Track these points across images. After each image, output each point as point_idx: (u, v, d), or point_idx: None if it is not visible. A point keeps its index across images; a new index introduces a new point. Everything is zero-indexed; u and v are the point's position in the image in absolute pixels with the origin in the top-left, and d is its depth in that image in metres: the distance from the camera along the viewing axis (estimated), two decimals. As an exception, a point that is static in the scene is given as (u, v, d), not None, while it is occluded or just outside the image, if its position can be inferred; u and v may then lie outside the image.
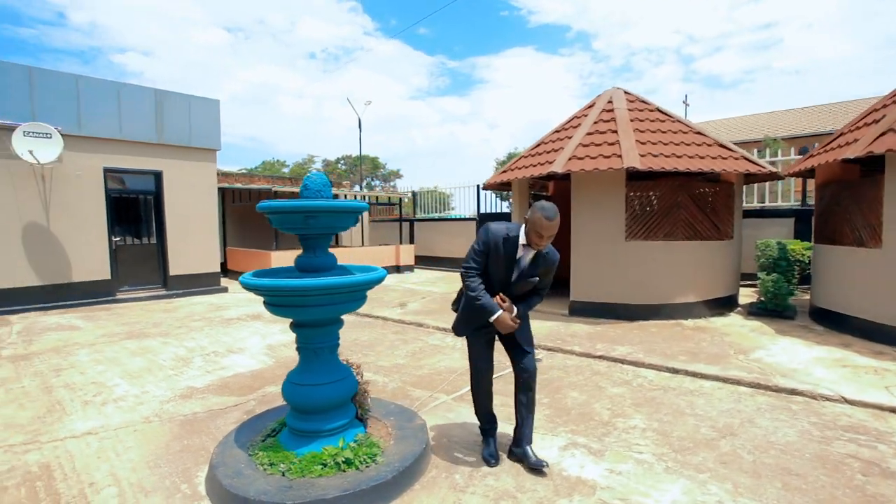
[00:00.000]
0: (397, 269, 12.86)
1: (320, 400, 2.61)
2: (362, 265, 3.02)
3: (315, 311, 2.55)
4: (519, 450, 2.71)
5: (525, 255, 2.58)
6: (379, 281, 2.70)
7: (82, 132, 7.97)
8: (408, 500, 2.37)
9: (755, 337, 5.32)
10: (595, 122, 6.62)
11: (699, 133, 6.51)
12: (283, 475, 2.41)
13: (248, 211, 13.16)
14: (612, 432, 3.10)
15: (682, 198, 6.12)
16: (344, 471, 2.44)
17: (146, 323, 6.66)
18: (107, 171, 8.31)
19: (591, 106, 7.26)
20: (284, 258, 10.25)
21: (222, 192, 12.67)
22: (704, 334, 5.45)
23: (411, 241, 14.36)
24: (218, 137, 9.57)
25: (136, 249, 8.92)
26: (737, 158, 6.16)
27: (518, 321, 2.58)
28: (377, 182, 40.81)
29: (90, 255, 8.18)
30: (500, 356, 2.87)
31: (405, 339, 5.62)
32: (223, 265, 12.42)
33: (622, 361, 4.57)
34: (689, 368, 4.25)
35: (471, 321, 2.69)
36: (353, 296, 2.64)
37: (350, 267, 2.96)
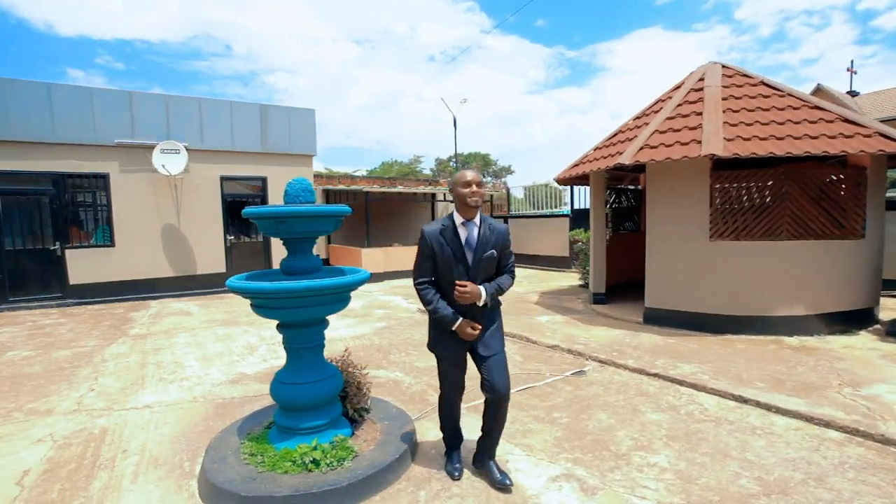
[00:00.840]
0: (486, 266, 12.76)
1: (299, 398, 2.68)
2: (354, 268, 3.02)
3: (293, 312, 2.62)
4: (481, 464, 2.59)
5: (470, 233, 2.44)
6: (358, 283, 2.69)
7: (204, 146, 9.30)
8: (360, 509, 2.33)
9: (883, 365, 4.19)
10: (679, 105, 5.78)
11: (817, 108, 5.31)
12: (256, 467, 2.53)
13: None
14: (621, 467, 2.69)
15: (789, 188, 5.06)
16: (310, 471, 2.48)
17: (242, 312, 7.54)
18: (222, 178, 9.59)
19: (678, 87, 6.37)
20: (373, 255, 10.81)
21: (326, 193, 13.82)
22: (808, 356, 4.45)
23: (504, 239, 14.18)
24: (314, 143, 10.44)
25: (246, 246, 10.16)
26: (868, 136, 4.90)
27: (478, 328, 2.40)
28: (488, 178, 41.03)
29: (210, 251, 9.52)
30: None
31: (455, 340, 5.54)
32: (326, 261, 13.56)
33: (680, 382, 3.94)
34: (763, 399, 3.50)
35: (441, 336, 2.53)
36: (329, 298, 2.65)
37: (346, 269, 2.99)
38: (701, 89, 5.87)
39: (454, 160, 42.41)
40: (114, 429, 3.36)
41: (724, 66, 6.22)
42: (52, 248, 8.41)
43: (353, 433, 2.91)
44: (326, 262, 13.49)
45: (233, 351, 5.31)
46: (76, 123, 8.36)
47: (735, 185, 5.30)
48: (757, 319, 5.12)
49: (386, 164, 44.18)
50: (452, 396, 2.63)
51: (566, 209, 15.00)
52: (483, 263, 2.42)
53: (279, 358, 4.97)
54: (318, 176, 14.79)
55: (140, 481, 2.65)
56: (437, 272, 2.46)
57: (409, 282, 10.47)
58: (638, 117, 6.47)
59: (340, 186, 12.83)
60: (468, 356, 2.54)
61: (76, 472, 2.76)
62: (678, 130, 5.37)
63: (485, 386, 2.45)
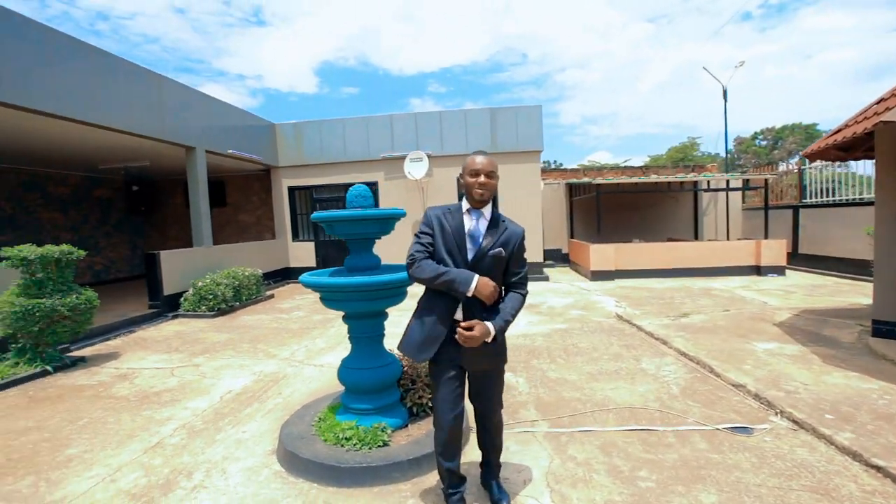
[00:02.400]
0: (757, 269, 10.09)
1: (348, 380, 3.03)
2: (401, 265, 3.12)
3: (350, 305, 2.97)
4: (485, 484, 2.44)
5: (478, 224, 2.16)
6: (399, 282, 2.81)
7: (443, 152, 10.72)
8: (350, 493, 2.48)
9: None
10: None
11: None
12: (313, 429, 3.01)
13: (590, 203, 13.56)
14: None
15: None
16: (341, 446, 2.79)
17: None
18: (458, 179, 10.81)
19: None
20: (603, 251, 10.13)
21: (569, 188, 13.64)
22: None
23: (795, 234, 10.83)
24: (540, 139, 10.51)
25: (480, 240, 11.15)
26: None
27: (490, 334, 2.05)
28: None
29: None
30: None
31: (617, 356, 4.79)
32: (566, 256, 13.45)
33: (912, 484, 2.36)
34: None
35: (428, 333, 2.13)
36: (379, 294, 2.88)
37: (395, 267, 3.16)
38: None
39: (760, 136, 34.27)
40: (290, 377, 4.50)
41: None
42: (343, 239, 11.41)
43: (404, 425, 3.05)
44: (566, 256, 13.39)
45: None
46: (357, 145, 11.03)
47: None
48: None
49: (674, 148, 39.63)
50: (448, 421, 2.14)
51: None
52: (486, 262, 2.10)
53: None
54: (547, 170, 14.76)
55: (266, 417, 3.53)
56: (434, 260, 2.14)
57: (639, 282, 9.38)
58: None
59: (572, 180, 12.45)
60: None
61: (243, 400, 3.89)
62: None
63: (472, 394, 2.25)
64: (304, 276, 3.05)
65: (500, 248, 2.13)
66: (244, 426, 3.40)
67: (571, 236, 13.52)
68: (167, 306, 7.55)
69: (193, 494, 2.55)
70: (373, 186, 11.14)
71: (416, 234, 2.22)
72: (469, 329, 2.02)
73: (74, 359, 5.15)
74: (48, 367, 4.77)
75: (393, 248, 11.45)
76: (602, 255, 10.27)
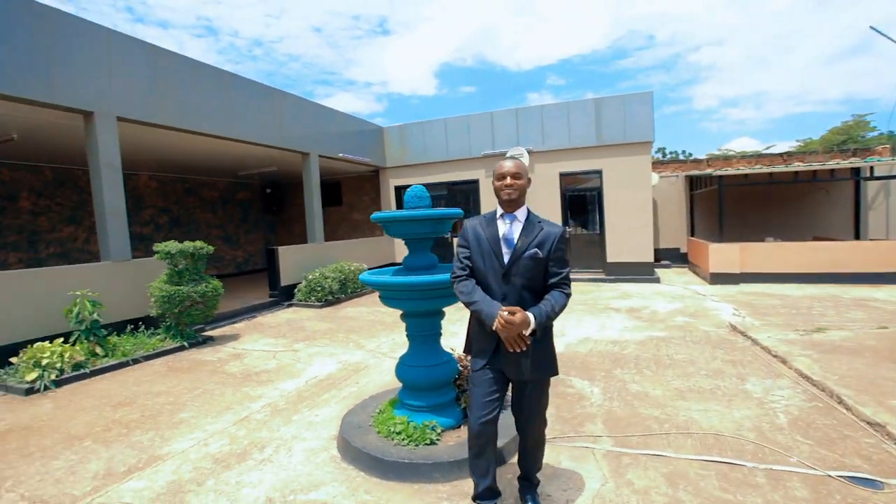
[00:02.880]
0: (938, 278, 8.08)
1: (403, 376, 3.10)
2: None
3: (406, 303, 3.05)
4: (522, 499, 2.34)
5: (512, 228, 2.16)
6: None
7: (545, 147, 10.39)
8: (391, 486, 2.55)
9: None
10: None
11: None
12: (371, 420, 3.16)
13: (715, 197, 12.05)
14: None
15: None
16: (392, 440, 2.89)
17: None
18: (561, 174, 10.39)
19: None
20: (725, 252, 8.99)
21: (689, 180, 12.30)
22: None
23: None
24: (650, 129, 9.61)
25: (584, 238, 10.61)
26: None
27: (528, 337, 2.01)
28: None
29: (549, 242, 10.58)
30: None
31: (717, 372, 4.20)
32: (685, 255, 12.17)
33: None
34: None
35: (480, 342, 2.25)
36: (433, 293, 2.92)
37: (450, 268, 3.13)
38: None
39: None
40: (370, 367, 4.75)
41: None
42: (445, 236, 11.68)
43: (456, 425, 3.05)
44: (685, 256, 12.13)
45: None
46: (459, 144, 11.20)
47: None
48: None
49: (833, 130, 33.35)
50: (476, 426, 2.12)
51: None
52: (523, 264, 2.09)
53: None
54: (663, 162, 13.39)
55: (339, 403, 3.79)
56: (474, 272, 2.22)
57: (769, 288, 8.21)
58: None
59: (694, 172, 11.17)
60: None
61: (324, 386, 4.22)
62: None
63: (514, 405, 2.23)
64: (364, 275, 3.19)
65: (536, 250, 2.10)
66: (318, 410, 3.69)
67: (692, 234, 12.17)
68: (284, 296, 8.50)
69: (260, 466, 2.84)
70: (473, 184, 11.24)
71: (455, 252, 2.30)
72: (512, 314, 1.97)
73: (205, 337, 6.06)
74: (185, 343, 5.69)
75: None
76: (723, 255, 9.08)
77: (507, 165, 2.16)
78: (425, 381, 3.03)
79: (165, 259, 5.68)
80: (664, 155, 28.94)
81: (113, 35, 5.94)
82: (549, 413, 3.41)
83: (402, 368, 3.11)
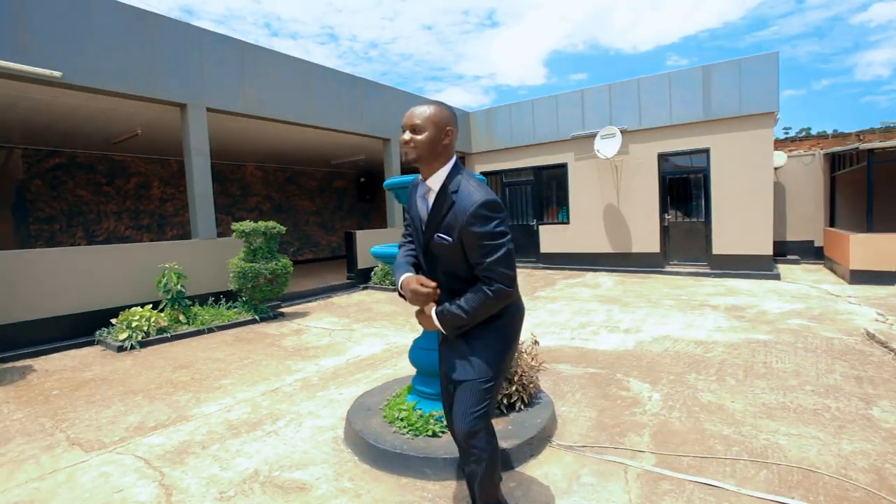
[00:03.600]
0: None
1: (419, 361, 2.83)
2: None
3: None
4: None
5: (427, 200, 1.71)
6: None
7: (641, 126, 9.31)
8: (377, 476, 2.32)
9: None
10: None
11: None
12: (381, 404, 2.96)
13: (862, 178, 9.83)
14: None
15: None
16: (393, 425, 2.66)
17: (636, 294, 7.27)
18: (660, 155, 9.24)
19: None
20: (872, 244, 7.27)
21: (831, 159, 10.20)
22: None
23: None
24: (774, 97, 8.06)
25: (684, 227, 9.34)
26: None
27: (427, 287, 1.63)
28: None
29: (645, 231, 9.51)
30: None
31: (831, 390, 3.28)
32: (821, 249, 10.16)
33: None
34: None
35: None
36: None
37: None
38: None
39: None
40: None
41: None
42: (531, 223, 11.12)
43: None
44: (820, 250, 10.13)
45: (568, 323, 5.48)
46: (546, 126, 10.53)
47: None
48: None
49: None
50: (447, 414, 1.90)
51: None
52: (434, 252, 1.66)
53: (588, 342, 4.75)
54: (794, 139, 11.19)
55: (369, 384, 3.65)
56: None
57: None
58: None
59: (835, 148, 9.21)
60: None
61: (362, 366, 4.12)
62: None
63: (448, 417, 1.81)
64: (375, 248, 3.00)
65: (443, 234, 1.61)
66: (344, 389, 3.59)
67: (831, 224, 10.09)
68: (360, 278, 8.72)
69: (265, 438, 2.80)
70: (562, 168, 10.51)
71: None
72: (420, 283, 1.62)
73: (277, 313, 6.39)
74: (256, 317, 6.05)
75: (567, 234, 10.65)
76: (870, 248, 7.32)
77: (407, 115, 1.65)
78: (436, 365, 2.73)
79: (242, 237, 6.07)
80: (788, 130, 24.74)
81: (204, 34, 6.47)
82: (588, 417, 2.93)
83: (415, 351, 2.85)
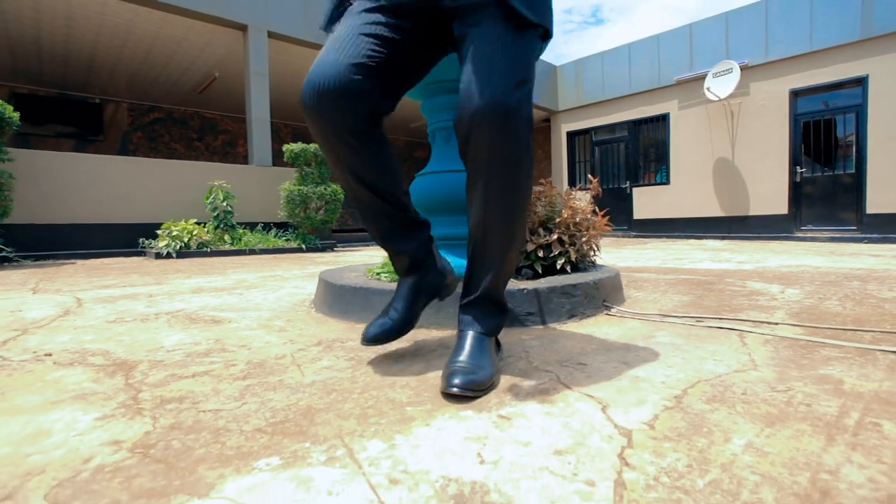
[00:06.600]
0: None
1: (422, 191, 2.01)
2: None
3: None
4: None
5: None
6: None
7: (768, 58, 7.56)
8: (324, 321, 1.56)
9: None
10: None
11: None
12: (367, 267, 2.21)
13: None
14: None
15: None
16: (376, 276, 1.89)
17: (756, 249, 5.74)
18: (792, 93, 7.43)
19: None
20: None
21: None
22: None
23: None
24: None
25: (825, 181, 7.40)
26: None
27: None
28: None
29: (768, 189, 7.74)
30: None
31: None
32: None
33: None
34: None
35: None
36: None
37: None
38: None
39: None
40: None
41: None
42: (623, 186, 9.71)
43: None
44: None
45: (660, 256, 4.32)
46: (645, 71, 9.09)
47: None
48: None
49: None
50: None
51: None
52: None
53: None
54: None
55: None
56: None
57: None
58: None
59: None
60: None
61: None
62: None
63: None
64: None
65: None
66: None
67: None
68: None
69: (225, 295, 2.19)
70: (662, 121, 9.01)
71: None
72: None
73: (325, 245, 5.96)
74: (302, 246, 5.65)
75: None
76: None
77: None
78: (440, 193, 1.90)
79: (292, 159, 5.72)
80: None
81: (271, -45, 6.28)
82: (677, 301, 1.89)
83: (417, 180, 2.05)
